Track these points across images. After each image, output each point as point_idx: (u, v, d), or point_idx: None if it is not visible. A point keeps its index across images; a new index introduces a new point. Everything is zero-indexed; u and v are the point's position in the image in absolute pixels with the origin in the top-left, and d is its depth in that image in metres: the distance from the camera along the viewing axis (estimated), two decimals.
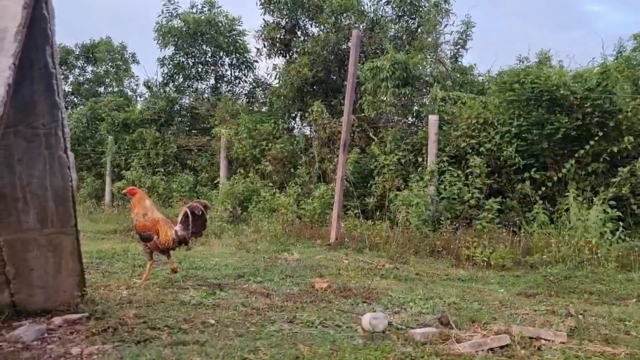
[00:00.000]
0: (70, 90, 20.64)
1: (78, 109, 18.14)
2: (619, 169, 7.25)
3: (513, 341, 2.77)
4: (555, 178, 7.73)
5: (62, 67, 20.40)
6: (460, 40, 12.04)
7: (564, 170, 7.66)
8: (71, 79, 20.70)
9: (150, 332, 2.84)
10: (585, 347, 2.78)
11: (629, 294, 4.65)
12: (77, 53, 20.44)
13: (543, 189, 7.72)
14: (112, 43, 20.99)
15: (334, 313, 3.57)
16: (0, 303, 3.09)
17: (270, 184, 10.55)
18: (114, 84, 20.68)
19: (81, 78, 20.85)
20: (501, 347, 2.75)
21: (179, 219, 4.72)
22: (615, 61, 10.58)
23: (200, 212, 4.74)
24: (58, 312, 3.14)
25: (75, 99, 20.67)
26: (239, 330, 3.00)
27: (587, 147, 7.53)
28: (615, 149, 7.47)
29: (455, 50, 12.11)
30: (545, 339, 2.87)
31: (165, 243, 4.48)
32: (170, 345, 2.61)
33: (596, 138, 7.50)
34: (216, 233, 8.43)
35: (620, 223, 6.53)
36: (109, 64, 20.68)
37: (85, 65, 20.85)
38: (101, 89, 20.55)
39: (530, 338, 2.88)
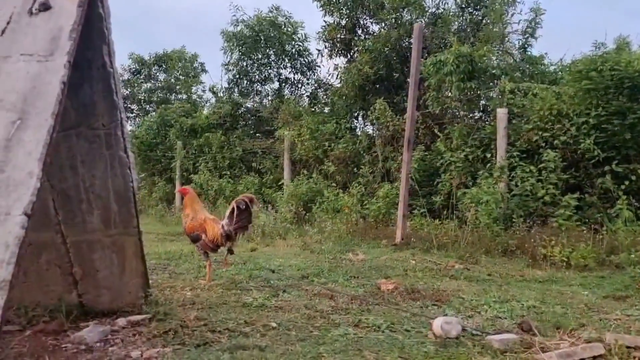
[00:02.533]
0: (143, 98, 21.60)
1: (149, 116, 18.94)
2: None
3: (608, 351, 2.46)
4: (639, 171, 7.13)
5: (137, 77, 21.45)
6: (529, 29, 11.42)
7: None
8: (144, 87, 21.65)
9: (210, 336, 2.78)
10: None
11: None
12: (150, 62, 21.32)
13: (626, 183, 7.14)
14: (185, 52, 21.76)
15: (401, 316, 3.37)
16: (69, 303, 3.14)
17: (334, 184, 10.46)
18: (183, 91, 21.40)
19: (153, 86, 21.75)
20: (594, 358, 2.46)
21: (226, 214, 4.70)
22: None
23: (245, 206, 4.64)
24: (123, 313, 3.16)
25: (147, 106, 21.60)
26: (302, 335, 2.88)
27: None
28: None
29: (524, 40, 11.50)
30: None
31: (214, 240, 4.45)
32: (230, 349, 2.52)
33: None
34: (281, 234, 8.43)
35: None
36: (179, 72, 21.45)
37: (158, 74, 21.72)
38: (172, 97, 21.31)
39: (628, 347, 2.56)
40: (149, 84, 21.72)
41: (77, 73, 2.54)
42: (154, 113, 18.58)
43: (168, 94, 21.35)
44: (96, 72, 2.60)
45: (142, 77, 21.50)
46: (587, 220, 7.11)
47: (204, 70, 21.88)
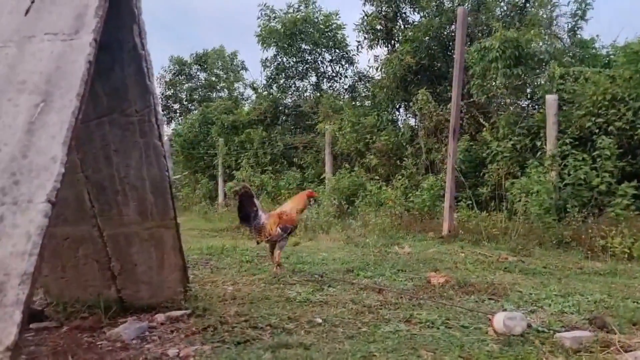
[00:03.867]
0: (185, 97, 21.92)
1: (191, 114, 19.15)
2: None
3: None
4: None
5: (179, 77, 21.83)
6: (579, 11, 10.84)
7: None
8: (186, 87, 21.97)
9: (251, 332, 2.62)
10: None
11: None
12: (191, 62, 21.61)
13: None
14: (224, 51, 21.94)
15: (456, 312, 3.13)
16: (108, 299, 3.05)
17: (376, 178, 10.25)
18: (225, 89, 21.60)
19: (194, 85, 22.04)
20: None
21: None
22: None
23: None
24: (162, 309, 3.04)
25: (190, 105, 21.90)
26: (349, 332, 2.68)
27: None
28: None
29: (574, 23, 10.93)
30: None
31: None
32: (272, 348, 2.35)
33: None
34: (324, 228, 8.29)
35: None
36: (219, 70, 21.66)
37: (198, 72, 21.99)
38: (213, 95, 21.53)
39: None
40: (190, 84, 22.04)
41: (107, 55, 2.43)
42: (195, 111, 18.78)
43: (209, 92, 21.63)
44: (127, 54, 2.47)
45: (183, 77, 21.80)
46: None
47: (244, 68, 22.10)
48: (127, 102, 2.59)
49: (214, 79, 21.76)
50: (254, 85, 16.23)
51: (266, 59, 15.04)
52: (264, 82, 15.68)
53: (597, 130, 7.59)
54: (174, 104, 22.09)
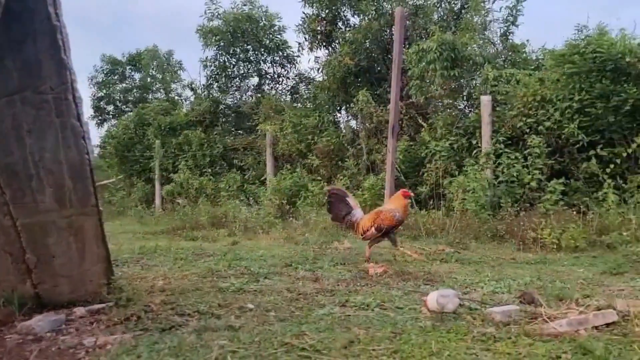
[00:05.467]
0: (119, 98, 21.12)
1: (126, 115, 18.45)
2: None
3: (623, 317, 2.23)
4: (624, 154, 7.03)
5: (112, 77, 21.02)
6: (511, 17, 11.31)
7: (633, 146, 6.97)
8: (119, 87, 21.19)
9: (177, 319, 2.49)
10: None
11: None
12: (124, 62, 20.90)
13: (612, 166, 7.02)
14: (158, 50, 21.33)
15: (393, 295, 3.11)
16: (23, 295, 2.80)
17: (318, 178, 10.22)
18: (162, 90, 21.00)
19: (129, 86, 21.32)
20: (607, 325, 2.22)
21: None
22: None
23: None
24: (84, 303, 2.83)
25: (124, 106, 21.11)
26: (282, 315, 2.60)
27: None
28: None
29: (506, 28, 11.39)
30: None
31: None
32: (198, 331, 2.23)
33: None
34: (264, 229, 8.14)
35: None
36: (155, 70, 21.04)
37: (133, 73, 21.27)
38: (149, 96, 20.87)
39: None
40: (124, 84, 21.27)
41: (18, 25, 2.25)
42: (131, 113, 18.11)
43: (144, 94, 20.94)
44: (40, 25, 2.29)
45: (116, 77, 21.04)
46: (573, 204, 6.99)
47: (182, 68, 21.58)
48: (40, 78, 2.40)
49: (149, 79, 21.13)
50: (192, 85, 15.86)
51: (206, 58, 14.75)
52: (204, 82, 15.41)
53: (528, 130, 7.90)
54: (107, 106, 21.24)
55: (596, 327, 2.19)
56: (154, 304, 2.69)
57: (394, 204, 4.84)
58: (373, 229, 4.61)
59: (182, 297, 2.98)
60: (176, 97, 19.44)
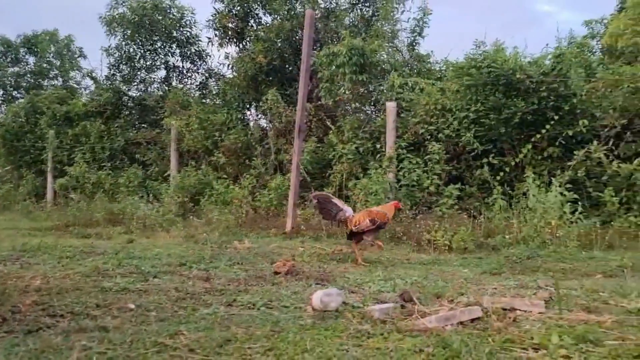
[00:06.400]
0: (10, 83, 19.39)
1: (17, 102, 17.00)
2: (574, 152, 7.19)
3: (486, 313, 2.40)
4: (512, 163, 7.62)
5: (4, 60, 19.25)
6: (417, 28, 11.82)
7: (521, 155, 7.58)
8: (11, 71, 19.47)
9: (47, 320, 2.33)
10: (566, 316, 2.45)
11: (593, 270, 4.49)
12: (17, 44, 19.24)
13: (501, 174, 7.58)
14: (57, 35, 19.86)
15: (281, 294, 3.12)
16: None
17: (224, 176, 10.05)
18: (59, 77, 19.56)
19: (22, 70, 19.64)
20: (472, 320, 2.38)
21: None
22: (569, 47, 10.59)
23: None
24: None
25: (15, 92, 19.43)
26: (163, 315, 2.52)
27: (543, 131, 7.51)
28: (570, 133, 7.43)
29: (412, 38, 11.88)
30: (520, 310, 2.53)
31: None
32: (67, 332, 2.09)
33: (552, 122, 7.48)
34: (164, 227, 7.88)
35: (578, 205, 6.40)
36: (53, 56, 19.57)
37: (27, 56, 19.65)
38: (45, 82, 19.38)
39: (504, 309, 2.53)
40: (16, 68, 19.59)
41: None
42: (22, 100, 16.72)
43: (40, 80, 19.41)
44: None
45: (8, 60, 19.31)
46: (466, 209, 7.43)
47: (82, 55, 20.27)
48: None
49: (45, 65, 19.64)
50: (93, 74, 14.95)
51: (110, 46, 14.00)
52: (106, 72, 14.63)
53: (429, 137, 8.29)
54: None
55: (462, 323, 2.35)
56: (23, 305, 2.49)
57: (385, 209, 5.35)
58: (367, 220, 5.08)
59: (58, 297, 2.79)
60: (75, 86, 18.24)
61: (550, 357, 1.90)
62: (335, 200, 5.46)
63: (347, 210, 5.35)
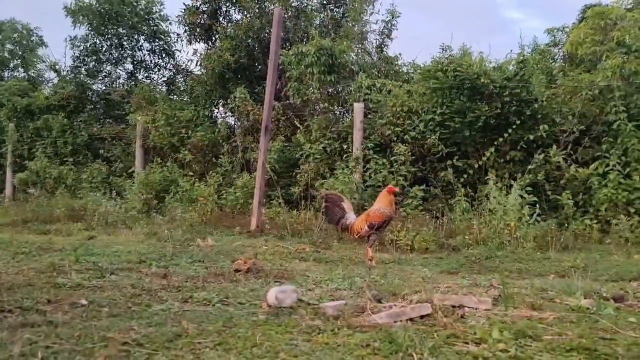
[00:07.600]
0: None
1: None
2: (535, 156, 7.39)
3: (435, 310, 2.46)
4: (476, 166, 7.78)
5: None
6: (386, 30, 11.99)
7: (484, 158, 7.73)
8: None
9: None
10: (511, 313, 2.55)
11: (547, 270, 4.63)
12: None
13: (465, 176, 7.73)
14: (15, 24, 19.21)
15: (239, 291, 3.13)
16: None
17: (190, 174, 9.95)
18: (20, 68, 18.96)
19: None
20: (422, 317, 2.44)
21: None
22: (532, 54, 10.88)
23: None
24: None
25: None
26: (116, 311, 2.49)
27: (506, 135, 7.70)
28: (531, 137, 7.66)
29: (381, 40, 12.05)
30: (468, 307, 2.61)
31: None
32: (14, 327, 2.05)
33: (514, 126, 7.69)
34: (127, 224, 7.76)
35: (537, 207, 6.61)
36: (13, 45, 18.92)
37: None
38: (5, 73, 18.75)
39: (453, 306, 2.61)
40: None
41: None
42: None
43: (0, 71, 18.75)
44: None
45: None
46: (431, 209, 7.55)
47: (43, 44, 19.67)
48: None
49: (6, 54, 19.01)
50: (56, 66, 14.57)
51: (74, 36, 13.68)
52: (70, 64, 14.29)
53: (395, 138, 8.38)
54: None
55: (412, 319, 2.40)
56: None
57: (380, 203, 5.19)
58: (366, 226, 5.00)
59: (8, 292, 2.73)
60: (37, 78, 17.71)
61: (489, 350, 1.97)
62: (344, 204, 5.38)
63: (350, 216, 5.29)
